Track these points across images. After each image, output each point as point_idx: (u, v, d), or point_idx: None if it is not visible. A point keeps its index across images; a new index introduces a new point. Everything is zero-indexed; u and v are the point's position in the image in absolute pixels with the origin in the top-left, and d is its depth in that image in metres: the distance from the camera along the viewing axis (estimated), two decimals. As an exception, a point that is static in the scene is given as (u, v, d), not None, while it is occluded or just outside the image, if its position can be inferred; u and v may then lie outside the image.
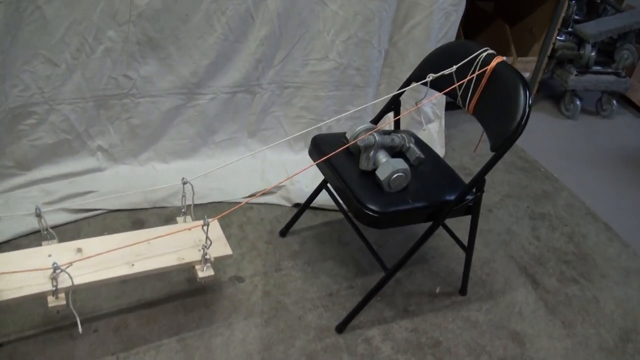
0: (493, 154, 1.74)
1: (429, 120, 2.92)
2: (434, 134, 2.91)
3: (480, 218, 2.58)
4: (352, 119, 2.69)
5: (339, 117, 2.57)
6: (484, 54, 1.85)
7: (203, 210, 2.35)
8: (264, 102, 2.57)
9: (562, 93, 3.80)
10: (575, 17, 3.95)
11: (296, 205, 2.43)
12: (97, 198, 2.31)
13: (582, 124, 3.74)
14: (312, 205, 2.30)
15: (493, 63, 1.82)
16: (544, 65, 3.53)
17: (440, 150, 2.90)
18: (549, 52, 3.49)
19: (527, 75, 3.53)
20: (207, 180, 2.47)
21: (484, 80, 1.83)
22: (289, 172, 2.52)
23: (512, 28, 3.57)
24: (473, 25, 3.71)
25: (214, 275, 1.76)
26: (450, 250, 2.34)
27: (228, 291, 2.05)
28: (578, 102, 3.70)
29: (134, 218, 2.34)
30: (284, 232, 2.30)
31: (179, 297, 2.00)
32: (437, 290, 2.20)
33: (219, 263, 2.08)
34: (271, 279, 2.12)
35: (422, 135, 2.85)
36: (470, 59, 1.86)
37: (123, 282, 1.97)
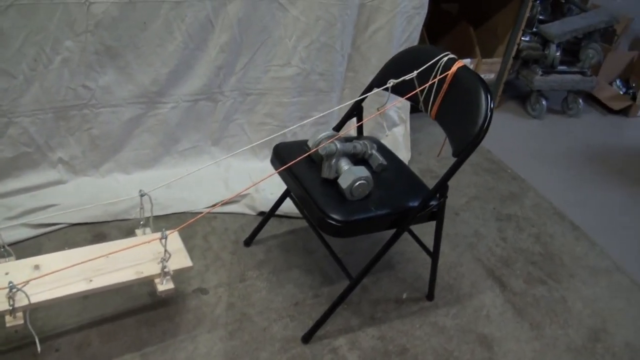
0: (455, 159, 1.74)
1: (394, 124, 2.91)
2: (399, 138, 2.90)
3: (447, 221, 2.58)
4: (317, 125, 2.67)
5: (302, 123, 2.54)
6: (445, 58, 1.84)
7: (166, 222, 2.31)
8: (227, 110, 2.54)
9: (528, 93, 3.83)
10: (540, 17, 3.98)
11: (261, 213, 2.40)
12: (58, 212, 2.26)
13: (548, 123, 3.77)
14: (277, 213, 2.27)
15: (454, 68, 1.81)
16: (509, 66, 3.54)
17: (406, 154, 2.89)
18: (513, 53, 3.51)
19: (492, 76, 3.54)
20: (171, 191, 2.42)
21: (445, 85, 1.82)
22: (254, 179, 2.49)
23: (476, 30, 3.58)
24: (438, 28, 3.71)
25: (174, 289, 1.73)
26: (417, 256, 2.33)
27: (192, 303, 2.01)
28: (544, 102, 3.73)
29: (96, 231, 2.28)
30: (248, 242, 2.27)
31: (141, 311, 1.96)
32: (404, 296, 2.18)
33: (182, 275, 2.05)
34: (235, 290, 2.08)
35: (387, 140, 2.87)
36: (432, 63, 1.85)
37: (84, 297, 1.92)
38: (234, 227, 2.36)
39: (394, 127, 2.91)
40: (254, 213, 2.43)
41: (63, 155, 2.38)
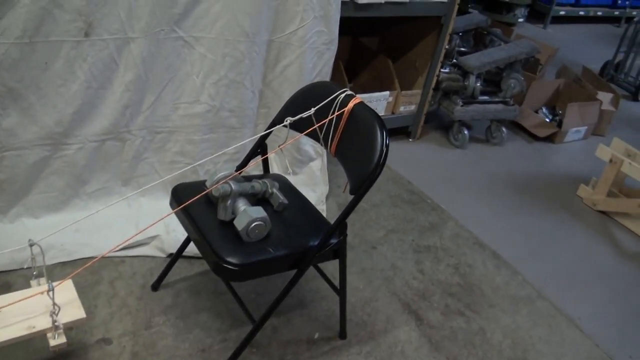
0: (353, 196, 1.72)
1: (311, 158, 2.89)
2: (316, 172, 2.88)
3: (364, 255, 2.58)
4: (230, 161, 2.63)
5: (209, 158, 2.49)
6: (343, 95, 1.83)
7: (73, 268, 2.21)
8: (136, 149, 2.48)
9: (450, 123, 3.88)
10: (462, 49, 4.06)
11: (170, 255, 2.32)
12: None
13: (471, 152, 3.82)
14: (188, 254, 2.21)
15: (350, 104, 1.80)
16: (429, 97, 3.59)
17: (324, 188, 2.87)
18: (433, 85, 3.55)
19: (412, 108, 3.58)
20: (78, 235, 2.34)
21: (342, 122, 1.81)
22: (166, 220, 2.42)
23: (396, 62, 3.62)
24: (357, 62, 3.75)
25: (66, 343, 1.65)
26: (331, 293, 2.26)
27: (94, 355, 1.91)
28: (466, 132, 3.78)
29: (1, 281, 2.17)
30: (156, 286, 2.19)
31: (42, 365, 1.86)
32: (316, 336, 2.13)
33: (85, 324, 1.96)
34: (140, 338, 2.00)
35: (304, 175, 2.85)
36: (329, 100, 1.84)
37: (-23, 354, 1.82)
38: (142, 270, 2.28)
39: (311, 162, 2.89)
40: (163, 255, 2.35)
41: (-31, 200, 2.27)
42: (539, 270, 2.77)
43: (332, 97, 1.83)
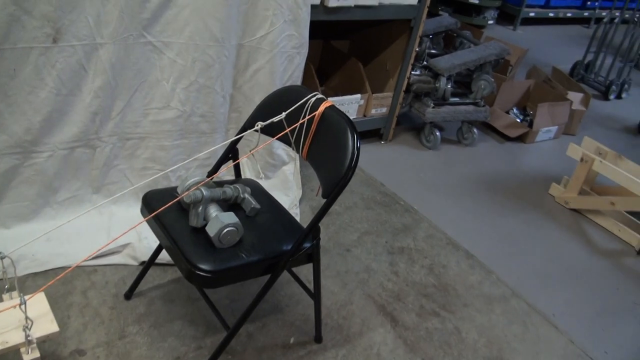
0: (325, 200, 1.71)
1: (284, 162, 2.88)
2: (289, 176, 2.87)
3: (338, 258, 2.58)
4: (202, 167, 2.62)
5: (181, 164, 2.48)
6: (313, 99, 1.83)
7: (45, 279, 2.17)
8: (106, 156, 2.44)
9: (422, 125, 3.90)
10: (432, 51, 4.09)
11: (143, 263, 2.30)
12: None
13: (443, 153, 3.85)
14: (158, 261, 2.19)
15: (321, 108, 1.80)
16: (400, 99, 3.60)
17: (297, 192, 2.87)
18: (404, 87, 3.57)
19: (384, 110, 3.59)
20: (49, 245, 2.31)
21: (313, 126, 1.81)
22: (138, 228, 2.39)
23: (367, 65, 3.64)
24: (329, 65, 3.75)
25: (40, 358, 1.61)
26: (306, 297, 2.27)
27: (68, 367, 1.89)
28: (438, 133, 3.80)
29: (-29, 293, 2.14)
30: (128, 295, 2.17)
31: (16, 380, 1.83)
32: (292, 340, 2.12)
33: (59, 337, 1.93)
34: (114, 349, 1.97)
35: (277, 179, 2.84)
36: (300, 104, 1.84)
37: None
38: (114, 279, 2.25)
39: (284, 166, 2.88)
40: (136, 263, 2.32)
41: (-62, 212, 2.22)
42: (513, 269, 2.79)
43: (302, 101, 1.83)
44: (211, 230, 1.67)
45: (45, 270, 2.24)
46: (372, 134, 3.77)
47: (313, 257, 1.84)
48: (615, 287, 2.85)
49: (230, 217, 1.69)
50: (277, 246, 1.77)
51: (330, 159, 1.74)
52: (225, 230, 1.66)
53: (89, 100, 2.30)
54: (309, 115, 1.82)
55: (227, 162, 2.04)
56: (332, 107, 1.81)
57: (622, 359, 2.41)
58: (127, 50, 2.28)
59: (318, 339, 2.13)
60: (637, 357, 2.44)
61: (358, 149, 1.70)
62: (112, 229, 2.44)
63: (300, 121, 1.82)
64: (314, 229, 1.76)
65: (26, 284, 2.14)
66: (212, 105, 2.55)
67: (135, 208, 2.55)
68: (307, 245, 1.78)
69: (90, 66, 2.26)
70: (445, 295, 2.51)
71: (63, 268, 2.25)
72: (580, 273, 2.90)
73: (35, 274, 2.21)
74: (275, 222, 1.90)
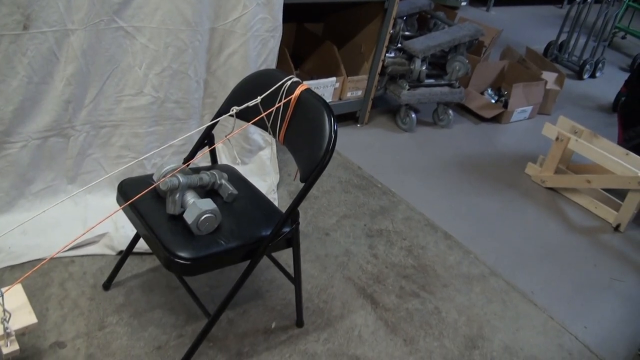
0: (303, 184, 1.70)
1: (260, 147, 2.86)
2: (266, 161, 2.86)
3: (317, 242, 2.58)
4: (178, 154, 2.59)
5: (156, 151, 2.45)
6: (289, 82, 1.82)
7: (22, 271, 2.14)
8: (80, 145, 2.40)
9: (397, 107, 3.90)
10: (406, 33, 4.08)
11: (120, 253, 2.27)
12: None
13: (419, 135, 3.85)
14: (136, 250, 2.16)
15: (297, 91, 1.78)
16: (375, 82, 3.59)
17: (275, 177, 2.85)
18: (379, 70, 3.56)
19: (359, 93, 3.58)
20: (26, 237, 2.26)
21: (289, 110, 1.79)
22: (114, 217, 2.36)
23: (342, 48, 3.62)
24: (303, 49, 3.73)
25: (19, 350, 1.59)
26: (287, 282, 2.26)
27: (48, 360, 1.87)
28: (413, 115, 3.80)
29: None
30: (107, 285, 2.14)
31: (-5, 373, 1.80)
32: (273, 325, 2.12)
33: (38, 329, 1.90)
34: (94, 340, 1.94)
35: (254, 164, 2.82)
36: (276, 88, 1.82)
37: None
38: (92, 270, 2.22)
39: (260, 151, 2.87)
40: (113, 253, 2.30)
41: None
42: (491, 248, 2.82)
43: (278, 84, 1.81)
44: (189, 217, 1.65)
45: (22, 263, 2.20)
46: (348, 117, 3.76)
47: (293, 241, 1.84)
48: (592, 264, 2.89)
49: (208, 204, 1.67)
50: (256, 232, 1.76)
51: (307, 142, 1.73)
52: (204, 217, 1.65)
53: (62, 88, 2.26)
54: (284, 99, 1.80)
55: (202, 148, 2.01)
56: (308, 90, 1.79)
57: (602, 333, 2.45)
58: (98, 36, 2.23)
59: (299, 323, 2.13)
60: (615, 331, 2.49)
61: (335, 132, 1.69)
62: (88, 219, 2.40)
63: (277, 105, 1.80)
64: (292, 213, 1.75)
65: (3, 277, 2.11)
66: (186, 91, 2.51)
67: (111, 197, 2.52)
68: (286, 229, 1.78)
69: (62, 53, 2.21)
70: (425, 276, 2.52)
71: (40, 260, 2.22)
72: (558, 250, 2.94)
73: (12, 266, 2.17)
74: (253, 207, 1.88)
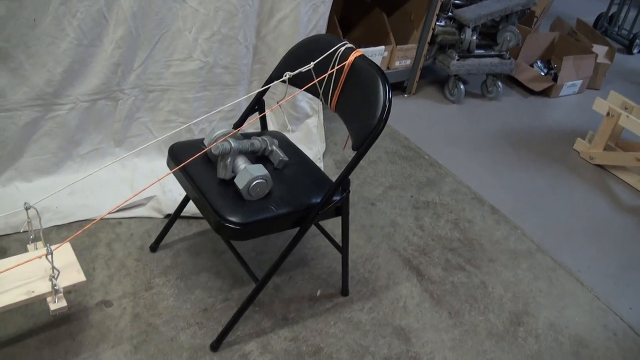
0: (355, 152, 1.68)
1: (307, 115, 2.84)
2: (312, 129, 2.83)
3: (363, 212, 2.56)
4: (225, 120, 2.58)
5: (205, 116, 2.43)
6: (343, 48, 1.78)
7: (69, 231, 2.18)
8: (128, 108, 2.41)
9: (446, 78, 3.82)
10: (458, 1, 3.98)
11: (168, 216, 2.29)
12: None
13: (467, 107, 3.78)
14: (183, 214, 2.17)
15: (351, 57, 1.75)
16: (424, 51, 3.52)
17: (320, 146, 2.83)
18: (428, 39, 3.48)
19: (408, 62, 3.52)
20: (73, 198, 2.30)
21: (343, 76, 1.76)
22: (161, 180, 2.38)
23: (391, 16, 3.55)
24: (352, 16, 3.66)
25: (66, 307, 1.61)
26: (332, 251, 2.26)
27: (95, 318, 1.89)
28: (462, 87, 3.73)
29: (-5, 246, 2.14)
30: (154, 247, 2.16)
31: (43, 330, 1.83)
32: (318, 293, 2.12)
33: (84, 288, 1.93)
34: (141, 300, 1.97)
35: (301, 132, 2.80)
36: (329, 54, 1.78)
37: (-20, 320, 1.79)
38: (139, 232, 2.25)
39: (307, 119, 2.84)
40: (161, 216, 2.32)
41: (-40, 166, 2.21)
42: (538, 224, 2.76)
43: (331, 50, 1.78)
44: (240, 182, 1.64)
45: (69, 223, 2.25)
46: (396, 87, 3.71)
47: (342, 210, 1.82)
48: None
49: (260, 169, 1.66)
50: (306, 199, 1.75)
51: (360, 110, 1.70)
52: (255, 183, 1.64)
53: (111, 50, 2.26)
54: (338, 65, 1.77)
55: (252, 114, 2.00)
56: (362, 56, 1.75)
57: (648, 314, 2.40)
58: (148, -1, 2.23)
59: (345, 291, 2.13)
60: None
61: (390, 100, 1.65)
62: (136, 182, 2.42)
63: (329, 71, 1.77)
64: (343, 181, 1.73)
65: (50, 237, 2.15)
66: (235, 56, 2.49)
67: (158, 161, 2.54)
68: (336, 198, 1.76)
69: (111, 15, 2.20)
70: (471, 250, 2.49)
71: (87, 220, 2.25)
72: (605, 229, 2.86)
73: (59, 226, 2.21)
74: (303, 174, 1.86)
